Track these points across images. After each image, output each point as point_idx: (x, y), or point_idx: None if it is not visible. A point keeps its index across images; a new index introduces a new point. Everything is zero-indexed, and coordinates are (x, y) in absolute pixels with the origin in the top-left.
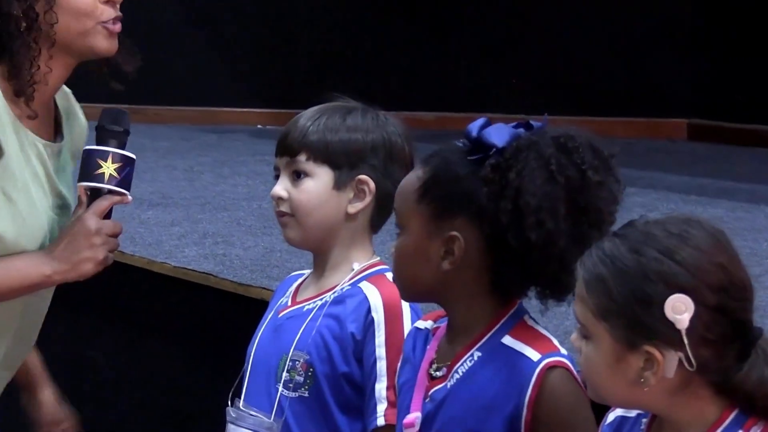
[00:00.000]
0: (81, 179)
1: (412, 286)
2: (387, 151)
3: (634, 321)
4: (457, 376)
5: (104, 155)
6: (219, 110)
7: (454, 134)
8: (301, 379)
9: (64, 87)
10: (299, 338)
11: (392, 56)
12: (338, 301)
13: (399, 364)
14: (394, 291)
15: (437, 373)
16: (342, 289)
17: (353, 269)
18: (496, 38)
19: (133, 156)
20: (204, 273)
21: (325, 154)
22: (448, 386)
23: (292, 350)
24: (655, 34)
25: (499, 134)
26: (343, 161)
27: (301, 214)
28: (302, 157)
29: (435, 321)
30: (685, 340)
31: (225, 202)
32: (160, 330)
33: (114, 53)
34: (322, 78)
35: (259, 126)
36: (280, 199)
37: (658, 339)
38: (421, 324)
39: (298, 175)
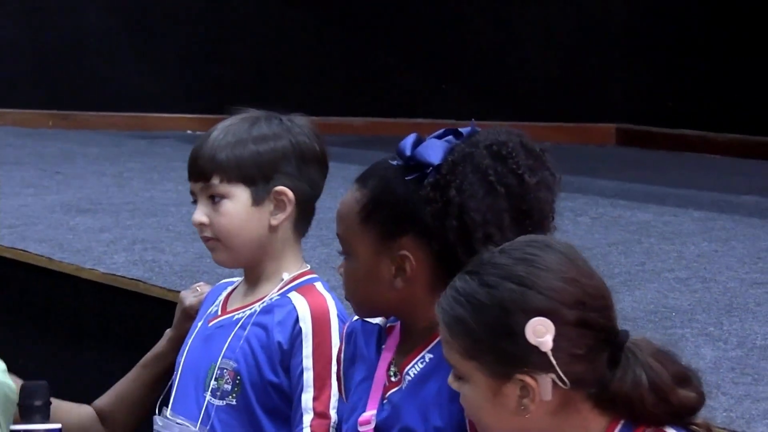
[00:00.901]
0: None
1: (367, 307)
2: (299, 155)
3: (501, 354)
4: (408, 378)
5: None
6: (148, 116)
7: (385, 139)
8: (229, 387)
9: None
10: (227, 346)
11: (323, 61)
12: (267, 310)
13: (346, 358)
14: (322, 302)
15: (394, 377)
16: (271, 299)
17: (283, 279)
18: (427, 43)
19: (59, 427)
20: (133, 279)
21: (237, 173)
22: (403, 388)
23: (220, 359)
24: (584, 37)
25: (433, 151)
26: (257, 176)
27: (225, 237)
28: (215, 180)
29: (388, 318)
30: (553, 361)
31: (154, 207)
32: (89, 337)
33: None
34: (252, 83)
35: (189, 131)
36: (202, 224)
37: (528, 366)
38: (372, 319)
39: (215, 199)
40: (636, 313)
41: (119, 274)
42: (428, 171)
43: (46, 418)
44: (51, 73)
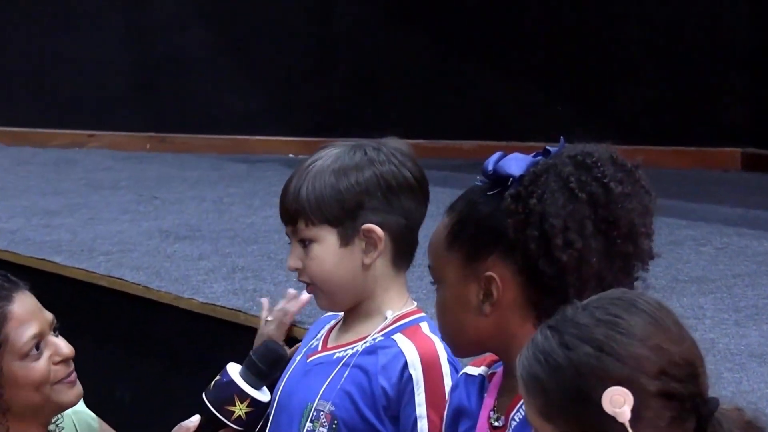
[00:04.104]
0: (210, 396)
1: (460, 340)
2: (385, 187)
3: (577, 420)
4: (514, 423)
5: (244, 397)
6: (249, 138)
7: None
8: (325, 430)
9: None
10: (326, 388)
11: (431, 82)
12: (369, 351)
13: (448, 416)
14: (431, 345)
15: (497, 423)
16: (374, 340)
17: (386, 318)
18: (540, 63)
19: (267, 400)
20: (233, 309)
21: (320, 215)
22: None
23: (317, 399)
24: (706, 57)
25: (515, 164)
26: (341, 216)
27: (319, 282)
28: (301, 225)
29: (489, 366)
30: None
31: (255, 234)
32: (187, 368)
33: (81, 396)
34: (357, 104)
35: (291, 155)
36: (297, 269)
37: None
38: (473, 370)
39: (304, 243)
40: (763, 349)
41: (218, 303)
42: (509, 184)
43: (268, 387)
44: (149, 94)
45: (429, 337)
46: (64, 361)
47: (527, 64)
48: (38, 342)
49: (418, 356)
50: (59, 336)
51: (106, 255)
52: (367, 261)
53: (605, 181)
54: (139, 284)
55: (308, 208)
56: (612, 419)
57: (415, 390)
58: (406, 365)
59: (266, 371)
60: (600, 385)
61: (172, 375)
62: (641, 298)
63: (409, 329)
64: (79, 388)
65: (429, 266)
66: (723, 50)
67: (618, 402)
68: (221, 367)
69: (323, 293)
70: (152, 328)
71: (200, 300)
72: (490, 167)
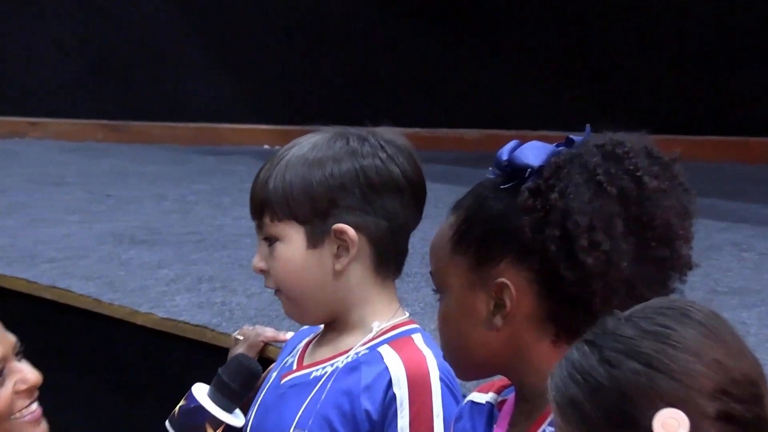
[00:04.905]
0: (176, 426)
1: (466, 358)
2: (364, 183)
3: None
4: None
5: (217, 424)
6: (218, 127)
7: None
8: None
9: None
10: (302, 414)
11: (426, 65)
12: (351, 368)
13: None
14: (420, 359)
15: None
16: (357, 354)
17: (372, 330)
18: (553, 41)
19: (242, 425)
20: (199, 326)
21: (287, 210)
22: None
23: (292, 429)
24: (745, 39)
25: (534, 153)
26: (310, 212)
27: (285, 288)
28: (267, 219)
29: (498, 392)
30: None
31: (225, 239)
32: (146, 394)
33: None
34: (344, 90)
35: (267, 147)
36: (262, 271)
37: None
38: (480, 397)
39: (270, 241)
40: None
41: (182, 319)
42: (527, 176)
43: (233, 407)
44: (101, 76)
45: (420, 351)
46: (29, 390)
47: (538, 41)
48: (1, 368)
49: (404, 372)
50: (23, 361)
51: (51, 262)
52: (338, 267)
53: (638, 174)
54: (89, 297)
55: (274, 201)
56: None
57: (398, 412)
58: (390, 383)
59: (239, 391)
60: (650, 407)
61: (129, 402)
62: (693, 306)
63: (398, 341)
64: (44, 426)
65: (431, 272)
66: (764, 33)
67: (671, 426)
68: (184, 393)
69: (290, 301)
70: (105, 347)
71: (160, 315)
72: (505, 157)
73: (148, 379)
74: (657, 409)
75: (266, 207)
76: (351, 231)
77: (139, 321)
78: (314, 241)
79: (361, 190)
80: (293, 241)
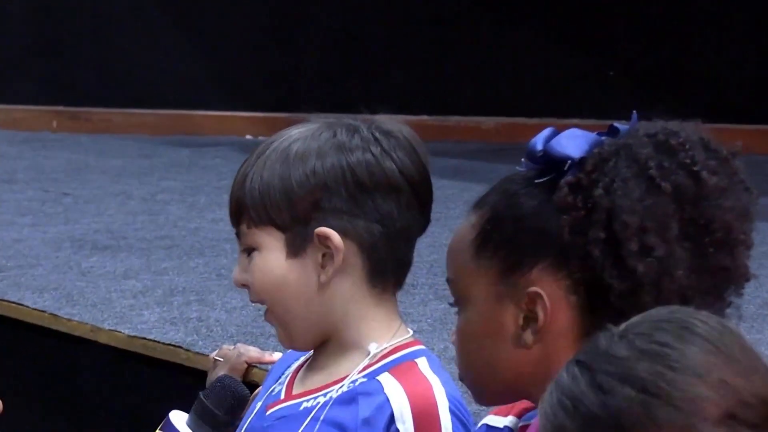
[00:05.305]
0: None
1: (490, 382)
2: (352, 182)
3: None
4: None
5: None
6: (193, 114)
7: (525, 148)
8: None
9: None
10: None
11: (434, 43)
12: (347, 399)
13: None
14: (427, 389)
15: None
16: (353, 383)
17: (369, 353)
18: (585, 17)
19: None
20: (171, 345)
21: (264, 214)
22: None
23: None
24: None
25: (574, 143)
26: (288, 217)
27: (267, 304)
28: (244, 226)
29: (519, 416)
30: None
31: (201, 244)
32: (111, 422)
33: None
34: (338, 72)
35: (249, 137)
36: (244, 286)
37: None
38: (497, 420)
39: (248, 251)
40: None
41: (151, 337)
42: (566, 169)
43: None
44: (56, 58)
45: (425, 378)
46: None
47: (567, 18)
48: None
49: (408, 405)
50: None
51: (0, 272)
52: (323, 278)
53: (695, 169)
54: (44, 311)
55: (250, 204)
56: None
57: None
58: (393, 418)
59: (224, 418)
60: None
61: (88, 427)
62: (697, 318)
63: (400, 367)
64: None
65: (448, 280)
66: None
67: None
68: (156, 422)
69: (276, 322)
70: (62, 369)
71: (127, 332)
72: (540, 146)
73: (113, 406)
74: None
75: (243, 211)
76: (335, 236)
77: (101, 339)
78: (295, 249)
79: (348, 190)
80: (271, 249)
